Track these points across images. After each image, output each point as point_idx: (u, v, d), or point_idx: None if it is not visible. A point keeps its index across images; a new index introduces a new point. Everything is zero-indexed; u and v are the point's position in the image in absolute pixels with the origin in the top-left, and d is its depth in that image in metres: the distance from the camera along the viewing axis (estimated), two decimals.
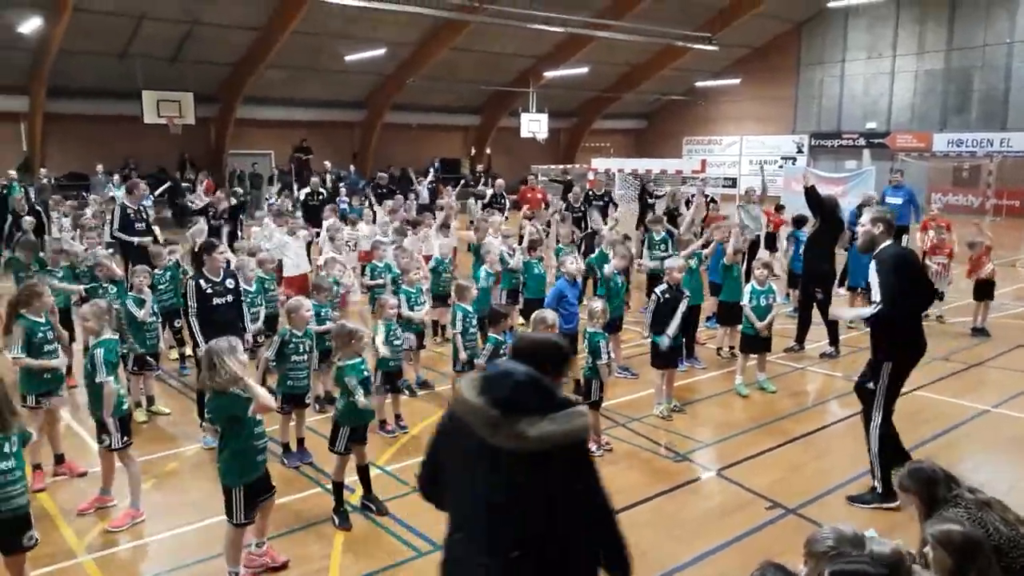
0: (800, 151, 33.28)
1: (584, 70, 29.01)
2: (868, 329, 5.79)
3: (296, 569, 4.89)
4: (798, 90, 33.50)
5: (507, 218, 15.38)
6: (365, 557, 5.07)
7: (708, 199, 15.96)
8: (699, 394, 8.30)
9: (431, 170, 23.35)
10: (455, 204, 18.04)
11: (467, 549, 2.61)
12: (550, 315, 5.76)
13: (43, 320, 5.95)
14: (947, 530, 3.02)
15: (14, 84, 22.13)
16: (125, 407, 5.51)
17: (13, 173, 16.98)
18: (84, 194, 18.60)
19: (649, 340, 7.70)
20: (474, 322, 7.32)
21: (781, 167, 32.24)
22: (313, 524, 5.44)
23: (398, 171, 27.89)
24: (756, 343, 8.30)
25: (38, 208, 15.26)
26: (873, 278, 5.51)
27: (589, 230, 12.39)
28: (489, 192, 17.88)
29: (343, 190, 19.00)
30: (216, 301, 6.82)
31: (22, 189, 16.78)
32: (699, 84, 34.68)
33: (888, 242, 5.65)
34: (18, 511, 4.05)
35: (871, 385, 5.73)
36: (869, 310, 5.46)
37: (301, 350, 6.41)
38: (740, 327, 8.62)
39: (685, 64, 31.75)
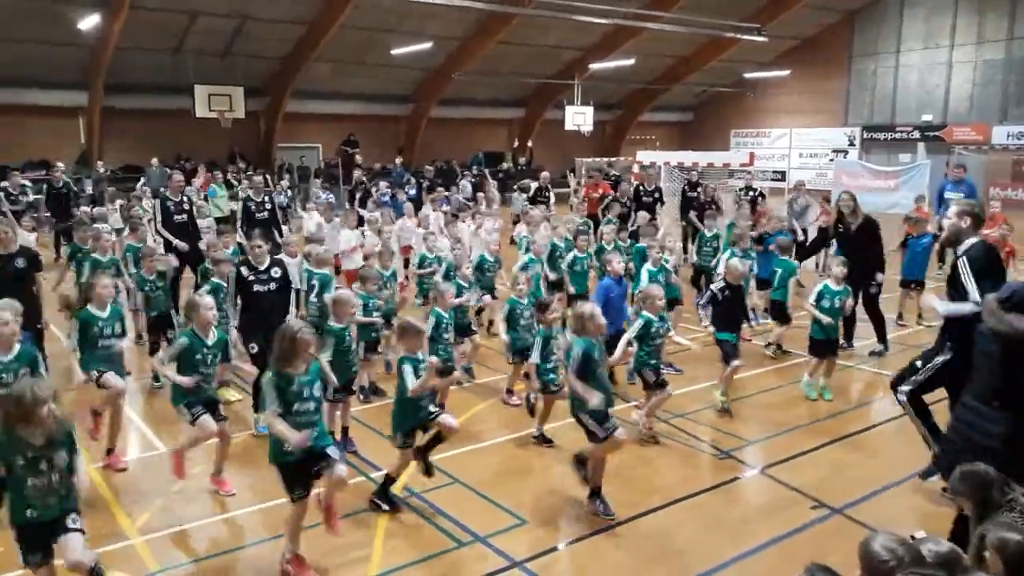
0: (851, 144, 32.52)
1: (630, 62, 28.73)
2: (924, 325, 5.66)
3: (338, 557, 4.96)
4: (850, 81, 32.69)
5: (552, 212, 15.36)
6: (406, 547, 5.12)
7: (756, 193, 15.66)
8: (743, 392, 8.17)
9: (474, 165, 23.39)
10: (497, 197, 18.14)
11: None
12: (588, 306, 5.71)
13: (105, 315, 6.03)
14: (1004, 538, 2.99)
15: (73, 80, 22.80)
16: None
17: (61, 166, 17.40)
18: (140, 187, 19.07)
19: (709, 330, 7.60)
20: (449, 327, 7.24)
21: (831, 160, 31.58)
22: (355, 513, 5.51)
23: (444, 164, 28.11)
24: (825, 346, 7.94)
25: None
26: (965, 275, 5.30)
27: (636, 227, 12.25)
28: (534, 185, 17.85)
29: (382, 185, 19.17)
30: (257, 289, 6.94)
31: (77, 179, 17.26)
32: (747, 76, 34.09)
33: (973, 238, 5.45)
34: (62, 514, 4.06)
35: (919, 363, 5.61)
36: (968, 306, 5.21)
37: (348, 341, 6.49)
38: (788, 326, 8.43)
39: (733, 55, 31.24)
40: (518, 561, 4.95)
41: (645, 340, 6.71)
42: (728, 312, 7.52)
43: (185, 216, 10.66)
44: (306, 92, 26.35)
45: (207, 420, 5.57)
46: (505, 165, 30.79)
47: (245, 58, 24.04)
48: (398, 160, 27.28)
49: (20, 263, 7.46)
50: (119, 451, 6.39)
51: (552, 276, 9.76)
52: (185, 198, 10.91)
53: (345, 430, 6.73)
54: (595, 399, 5.23)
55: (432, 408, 5.52)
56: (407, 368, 5.35)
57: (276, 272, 7.11)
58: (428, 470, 5.64)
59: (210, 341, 5.66)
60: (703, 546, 5.15)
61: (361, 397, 7.56)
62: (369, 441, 6.83)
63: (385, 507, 5.52)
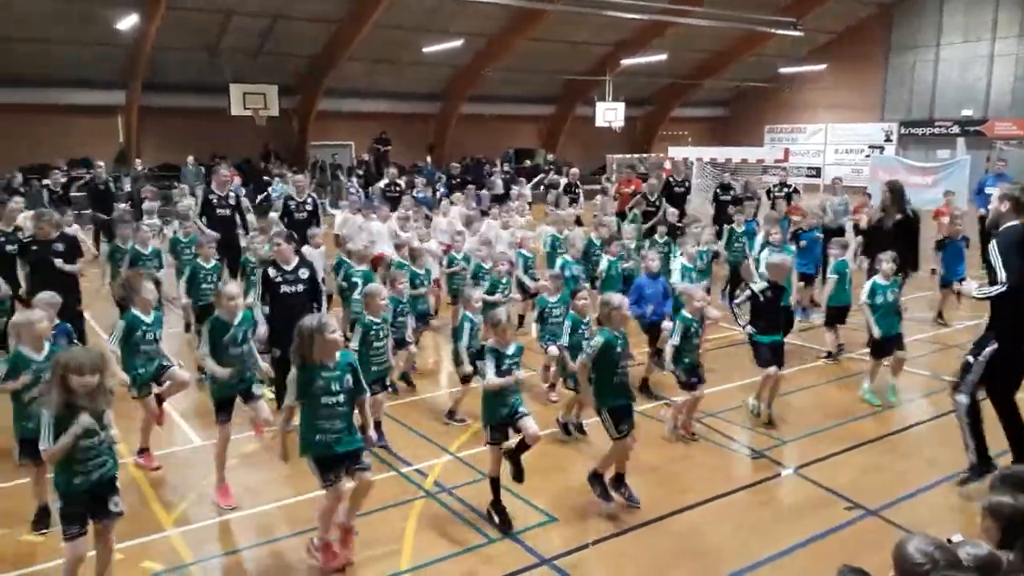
0: (888, 139, 31.95)
1: (662, 57, 28.52)
2: (956, 326, 5.57)
3: (367, 551, 4.99)
4: (887, 76, 32.11)
5: (582, 209, 15.32)
6: (436, 542, 5.15)
7: (790, 189, 15.46)
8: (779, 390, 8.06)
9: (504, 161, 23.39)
10: (529, 195, 18.12)
11: None
12: (617, 297, 5.69)
13: (150, 320, 6.08)
14: (1000, 501, 3.10)
15: (112, 79, 23.25)
16: None
17: (101, 164, 17.74)
18: (177, 184, 19.33)
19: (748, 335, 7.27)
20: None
21: (868, 156, 31.06)
22: (385, 508, 5.54)
23: (472, 161, 28.17)
24: (887, 345, 7.65)
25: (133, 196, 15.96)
26: (994, 256, 5.32)
27: (667, 223, 12.15)
28: (563, 182, 17.79)
29: (419, 182, 19.27)
30: (284, 289, 7.01)
31: (116, 177, 17.63)
32: (782, 70, 33.64)
33: (1014, 221, 5.42)
34: (102, 479, 4.20)
35: (970, 359, 5.54)
36: (997, 288, 5.28)
37: (381, 335, 6.53)
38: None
39: (768, 50, 30.87)
40: (548, 558, 4.95)
41: (682, 340, 6.63)
42: (770, 314, 7.14)
43: (229, 211, 10.77)
44: (338, 90, 26.57)
45: (227, 427, 5.65)
46: (531, 162, 30.71)
47: (279, 57, 24.30)
48: (428, 158, 27.41)
49: (59, 248, 7.70)
50: (152, 447, 6.52)
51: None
52: (231, 193, 11.03)
53: (378, 424, 6.76)
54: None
55: (521, 409, 5.35)
56: (490, 361, 5.28)
57: (304, 273, 7.16)
58: (518, 475, 5.41)
59: (235, 321, 5.72)
60: (735, 545, 5.11)
61: (391, 390, 7.60)
62: (399, 436, 6.87)
63: (496, 519, 5.32)
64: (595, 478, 5.56)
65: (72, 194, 17.12)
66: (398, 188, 16.06)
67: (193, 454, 6.62)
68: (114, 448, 4.32)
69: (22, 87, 22.01)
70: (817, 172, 32.70)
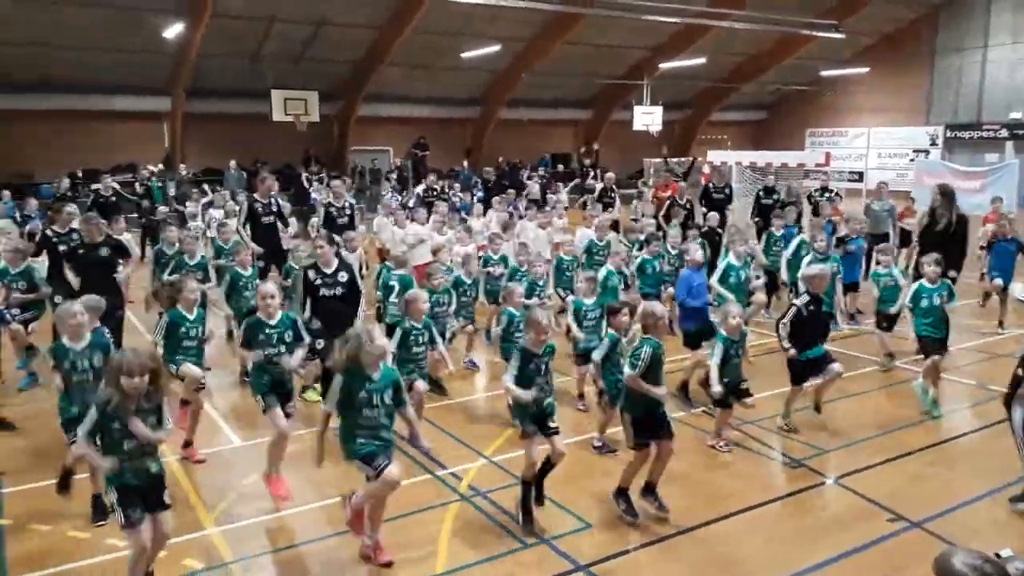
0: (934, 143, 31.26)
1: (700, 60, 28.29)
2: (1004, 334, 5.42)
3: (403, 554, 5.02)
4: (933, 78, 31.43)
5: (618, 213, 15.25)
6: (471, 545, 5.16)
7: (832, 194, 15.22)
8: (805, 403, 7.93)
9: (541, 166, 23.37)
10: (565, 199, 18.09)
11: None
12: (659, 307, 5.64)
13: (192, 317, 6.26)
14: None
15: (158, 86, 23.80)
16: None
17: (152, 168, 18.24)
18: (218, 188, 19.75)
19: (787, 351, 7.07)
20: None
21: (912, 161, 30.44)
22: (422, 511, 5.57)
23: (507, 165, 28.20)
24: (934, 344, 7.48)
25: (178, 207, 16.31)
26: None
27: (706, 227, 12.03)
28: (599, 186, 17.72)
29: (456, 187, 19.37)
30: (324, 292, 7.10)
31: (158, 184, 18.06)
32: (824, 73, 33.13)
33: None
34: (150, 476, 4.35)
35: (1020, 371, 5.40)
36: None
37: (421, 341, 6.57)
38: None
39: (809, 53, 30.42)
40: (582, 564, 4.93)
41: (722, 361, 6.49)
42: (813, 327, 6.97)
43: (272, 217, 10.88)
44: (378, 96, 26.84)
45: (276, 414, 5.66)
46: (565, 167, 30.62)
47: (319, 63, 24.63)
48: (465, 163, 27.53)
49: (105, 252, 7.93)
50: (197, 444, 6.64)
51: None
52: (274, 200, 11.17)
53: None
54: (661, 391, 5.30)
55: (551, 423, 5.33)
56: (515, 360, 5.27)
57: (343, 277, 7.23)
58: (538, 498, 5.46)
59: (273, 321, 5.76)
60: (771, 557, 5.04)
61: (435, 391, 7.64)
62: (434, 439, 6.88)
63: (520, 517, 5.36)
64: (620, 494, 5.48)
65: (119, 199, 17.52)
66: (435, 192, 16.16)
67: (233, 454, 6.73)
68: (158, 450, 4.42)
69: (71, 94, 22.65)
70: (859, 176, 32.13)
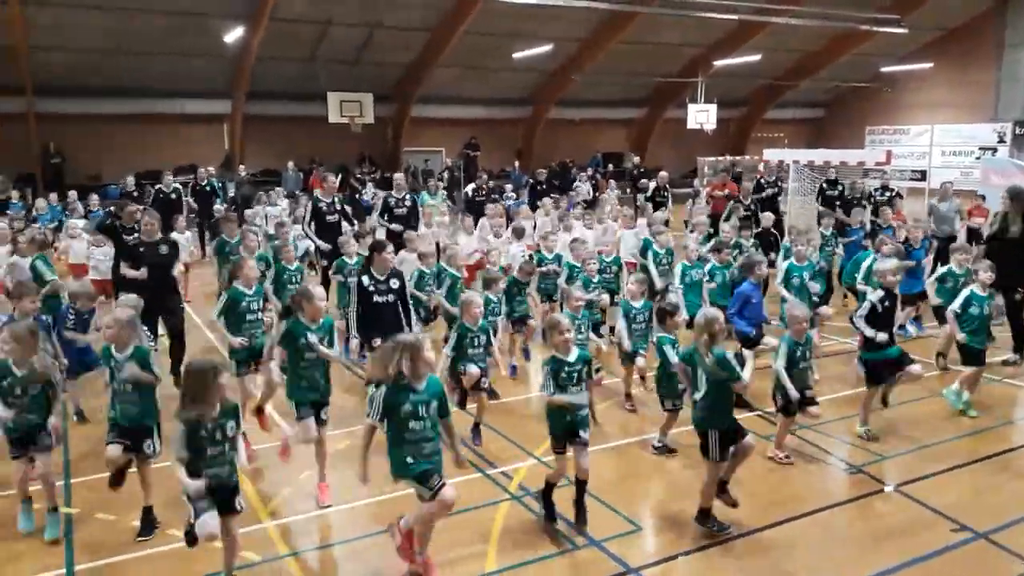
0: (1001, 141, 30.11)
1: (756, 57, 27.80)
2: None
3: (453, 551, 5.06)
4: (1001, 73, 30.24)
5: (670, 213, 15.11)
6: (521, 546, 5.17)
7: (893, 193, 14.81)
8: (878, 404, 7.72)
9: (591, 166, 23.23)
10: (615, 198, 17.98)
11: None
12: (720, 314, 5.47)
13: (252, 292, 6.44)
14: None
15: (218, 89, 24.44)
16: None
17: (211, 170, 18.70)
18: (276, 189, 20.10)
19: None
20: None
21: (978, 159, 29.37)
22: (472, 509, 5.60)
23: (558, 166, 28.13)
24: (976, 355, 7.28)
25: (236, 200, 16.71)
26: None
27: (761, 227, 11.82)
28: (652, 186, 17.56)
29: (507, 187, 19.42)
30: (377, 299, 7.12)
31: (220, 184, 18.55)
32: (884, 69, 32.21)
33: None
34: (224, 483, 4.46)
35: None
36: None
37: (477, 343, 6.61)
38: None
39: (869, 48, 29.60)
40: (632, 568, 4.90)
41: (788, 364, 6.32)
42: (887, 324, 6.77)
43: (337, 216, 11.08)
44: (430, 97, 27.06)
45: (307, 425, 5.66)
46: (615, 167, 30.37)
47: (374, 65, 24.96)
48: (516, 163, 27.56)
49: (163, 250, 8.15)
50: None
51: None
52: (337, 199, 11.37)
53: (477, 425, 6.88)
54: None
55: (582, 433, 5.20)
56: (546, 374, 5.18)
57: (395, 283, 7.27)
58: (579, 516, 5.31)
59: (314, 326, 5.71)
60: (827, 564, 4.93)
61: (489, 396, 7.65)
62: (485, 438, 6.93)
63: (542, 508, 5.46)
64: (703, 516, 5.28)
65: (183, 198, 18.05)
66: (484, 192, 16.23)
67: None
68: (236, 457, 4.51)
69: (136, 97, 23.40)
70: (922, 175, 31.12)
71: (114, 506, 5.63)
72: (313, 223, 10.98)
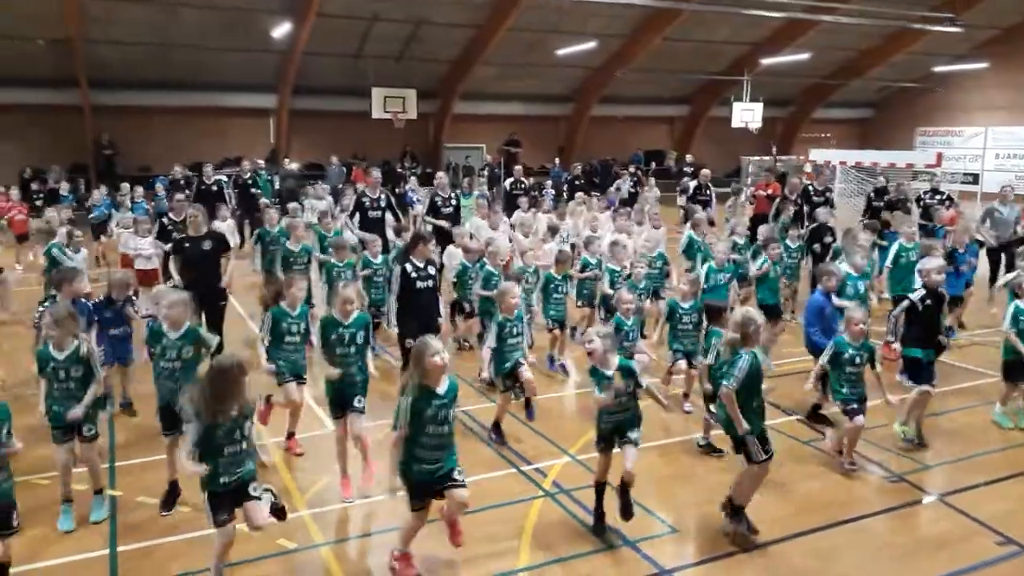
0: None
1: (804, 56, 27.31)
2: None
3: (487, 546, 5.08)
4: None
5: (713, 211, 14.92)
6: (554, 544, 5.16)
7: (944, 197, 14.44)
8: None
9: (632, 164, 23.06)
10: (655, 198, 17.78)
11: None
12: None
13: (295, 313, 6.31)
14: None
15: (265, 84, 24.84)
16: None
17: (260, 162, 19.04)
18: (317, 183, 20.35)
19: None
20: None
21: None
22: (506, 505, 5.61)
23: (598, 163, 27.99)
24: (1021, 370, 7.01)
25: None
26: None
27: (814, 225, 11.60)
28: (693, 184, 17.33)
29: (547, 184, 19.37)
30: (419, 285, 7.42)
31: (268, 178, 18.87)
32: (937, 69, 31.37)
33: None
34: (243, 478, 4.51)
35: None
36: None
37: (515, 332, 6.63)
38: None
39: (921, 48, 28.85)
40: (665, 569, 4.86)
41: (837, 367, 6.18)
42: (926, 325, 6.62)
43: (380, 212, 11.13)
44: (473, 94, 27.14)
45: (340, 423, 5.79)
46: (658, 165, 30.12)
47: (418, 62, 25.12)
48: (557, 160, 27.49)
49: (207, 244, 8.26)
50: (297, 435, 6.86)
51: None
52: (382, 194, 11.46)
53: (496, 425, 6.88)
54: (743, 427, 4.94)
55: (630, 434, 5.12)
56: (595, 383, 5.10)
57: (432, 270, 7.62)
58: (625, 512, 5.18)
59: (347, 321, 5.76)
60: (866, 573, 4.83)
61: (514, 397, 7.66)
62: (521, 433, 6.94)
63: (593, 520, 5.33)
64: (736, 512, 5.19)
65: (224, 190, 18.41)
66: (523, 187, 16.21)
67: (325, 440, 6.91)
68: (253, 453, 4.57)
69: (185, 91, 23.91)
70: (974, 178, 30.29)
71: (158, 489, 5.76)
72: (357, 216, 11.09)
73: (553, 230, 11.20)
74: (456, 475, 4.60)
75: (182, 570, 4.83)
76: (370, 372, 5.88)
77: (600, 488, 5.27)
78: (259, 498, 4.55)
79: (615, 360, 5.11)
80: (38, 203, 17.74)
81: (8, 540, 4.42)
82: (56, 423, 5.27)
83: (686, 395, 7.58)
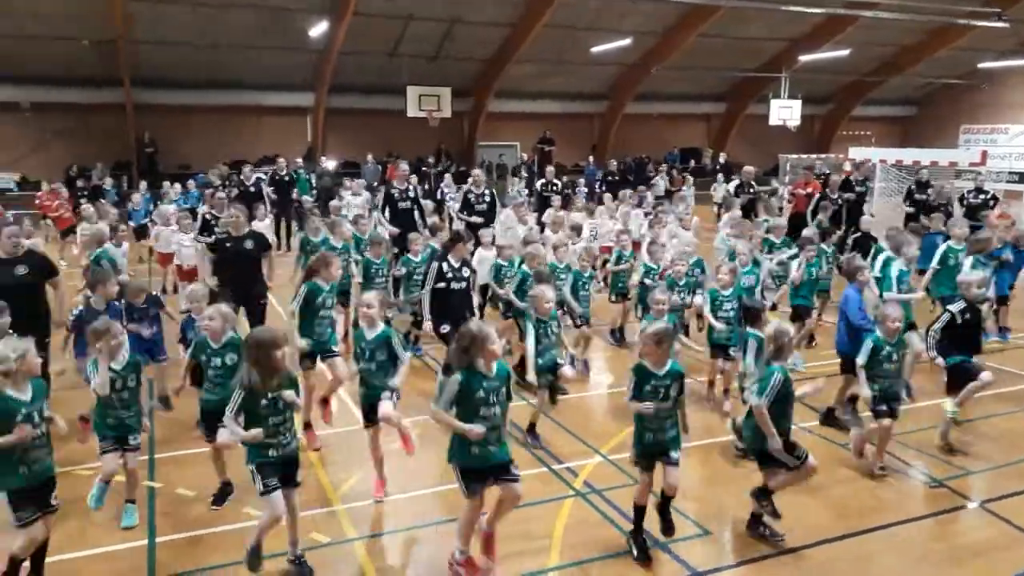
0: None
1: (844, 53, 26.83)
2: None
3: (518, 545, 5.09)
4: None
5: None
6: (585, 544, 5.15)
7: (988, 196, 14.10)
8: (966, 416, 7.37)
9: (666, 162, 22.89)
10: (690, 198, 17.63)
11: None
12: (789, 327, 5.30)
13: (328, 288, 6.53)
14: None
15: (302, 82, 25.13)
16: None
17: (299, 160, 19.28)
18: (357, 180, 20.54)
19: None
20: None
21: None
22: (537, 503, 5.60)
23: (633, 161, 27.82)
24: None
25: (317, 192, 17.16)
26: None
27: (858, 234, 11.45)
28: (735, 183, 17.13)
29: (581, 181, 19.30)
30: (453, 286, 7.54)
31: (307, 176, 19.11)
32: (981, 66, 30.58)
33: None
34: (289, 453, 4.65)
35: None
36: None
37: (550, 332, 6.63)
38: None
39: (965, 44, 28.14)
40: (697, 571, 4.83)
41: (871, 361, 6.05)
42: (964, 338, 6.52)
43: (410, 203, 11.31)
44: (507, 92, 27.16)
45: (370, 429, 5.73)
46: (696, 163, 29.86)
47: (453, 60, 25.20)
48: (591, 158, 27.39)
49: (249, 245, 8.36)
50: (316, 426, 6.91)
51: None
52: (410, 187, 11.60)
53: (532, 427, 6.85)
54: (775, 443, 4.88)
55: (673, 454, 4.93)
56: (631, 381, 4.94)
57: (466, 272, 7.70)
58: (666, 529, 5.02)
59: (369, 337, 5.57)
60: None
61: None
62: (551, 433, 6.93)
63: (634, 551, 5.02)
64: (763, 493, 5.13)
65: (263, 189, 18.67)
66: (555, 187, 16.19)
67: (359, 434, 6.96)
68: (295, 431, 4.68)
69: (224, 90, 24.34)
70: (1020, 177, 29.49)
71: (195, 482, 5.87)
72: (387, 208, 11.28)
73: (576, 229, 11.21)
74: (513, 469, 4.61)
75: (221, 561, 4.90)
76: (395, 384, 5.62)
77: (640, 512, 5.00)
78: (300, 484, 4.72)
79: (668, 361, 4.89)
80: (82, 200, 18.15)
81: (50, 518, 4.48)
82: (115, 432, 5.20)
83: (726, 391, 7.50)
